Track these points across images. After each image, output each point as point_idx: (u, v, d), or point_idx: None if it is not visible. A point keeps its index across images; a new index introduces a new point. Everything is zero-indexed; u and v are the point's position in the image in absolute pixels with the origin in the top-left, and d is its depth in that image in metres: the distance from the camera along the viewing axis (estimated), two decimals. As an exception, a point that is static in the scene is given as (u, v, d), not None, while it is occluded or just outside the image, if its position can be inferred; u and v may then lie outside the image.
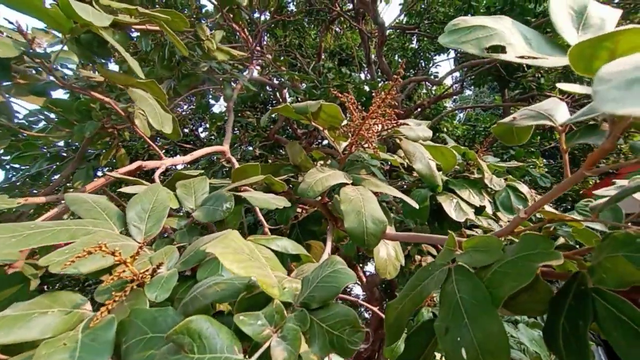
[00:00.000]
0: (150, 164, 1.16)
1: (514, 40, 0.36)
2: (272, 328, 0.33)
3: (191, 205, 0.70)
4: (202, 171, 0.79)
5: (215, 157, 3.33)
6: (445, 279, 0.46)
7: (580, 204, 0.55)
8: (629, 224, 0.44)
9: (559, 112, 0.42)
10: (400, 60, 7.02)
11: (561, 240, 0.50)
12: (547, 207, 0.43)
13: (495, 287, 0.38)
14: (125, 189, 0.67)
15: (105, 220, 0.58)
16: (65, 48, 0.86)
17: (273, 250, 0.62)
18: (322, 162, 0.99)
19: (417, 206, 0.81)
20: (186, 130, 6.67)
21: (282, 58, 3.16)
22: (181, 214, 0.73)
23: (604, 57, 0.26)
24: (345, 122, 1.16)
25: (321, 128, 1.00)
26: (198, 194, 0.72)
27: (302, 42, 6.87)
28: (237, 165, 1.54)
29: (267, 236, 0.62)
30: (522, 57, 0.35)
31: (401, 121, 0.86)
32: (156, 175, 1.12)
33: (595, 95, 0.15)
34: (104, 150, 2.07)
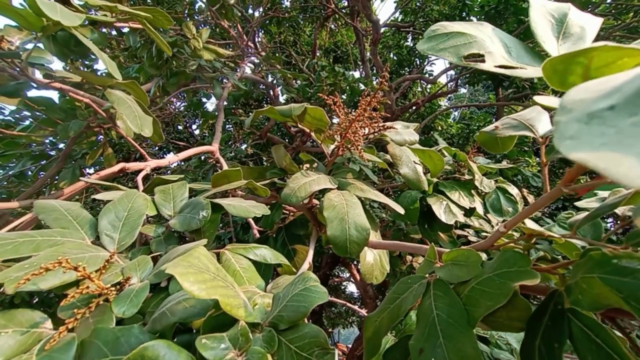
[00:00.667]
0: (133, 166, 1.13)
1: (493, 48, 0.35)
2: (236, 352, 0.32)
3: (169, 212, 0.67)
4: (182, 176, 0.76)
5: (206, 156, 3.29)
6: (423, 293, 0.45)
7: (561, 216, 0.54)
8: (610, 236, 0.43)
9: (540, 122, 0.40)
10: (395, 57, 7.01)
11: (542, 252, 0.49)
12: (528, 221, 0.42)
13: (472, 306, 0.37)
14: (99, 195, 0.65)
15: (76, 230, 0.56)
16: (41, 46, 0.82)
17: (252, 260, 0.60)
18: (308, 165, 0.97)
19: (402, 212, 0.80)
20: (180, 128, 6.59)
21: (275, 55, 3.12)
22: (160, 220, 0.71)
23: (578, 72, 0.24)
24: (335, 123, 1.13)
25: (308, 130, 0.98)
26: (177, 200, 0.69)
27: (296, 40, 6.83)
28: (225, 165, 1.52)
29: (245, 245, 0.60)
30: (500, 66, 0.34)
31: (388, 124, 0.85)
32: (139, 177, 1.09)
33: (556, 127, 0.13)
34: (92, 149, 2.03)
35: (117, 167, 1.07)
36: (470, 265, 0.43)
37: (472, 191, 1.61)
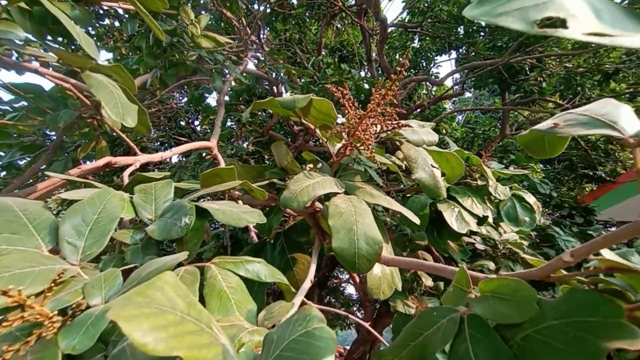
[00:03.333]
0: (121, 161, 1.04)
1: (577, 10, 0.25)
2: None
3: (149, 215, 0.58)
4: (168, 173, 0.67)
5: (207, 153, 3.20)
6: (456, 334, 0.35)
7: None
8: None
9: (622, 118, 0.31)
10: (400, 59, 6.90)
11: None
12: (605, 252, 0.32)
13: (533, 365, 0.27)
14: (66, 194, 0.55)
15: (30, 235, 0.46)
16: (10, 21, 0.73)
17: (244, 277, 0.51)
18: (311, 165, 0.87)
19: (418, 221, 0.70)
20: (182, 123, 6.52)
21: (279, 50, 3.03)
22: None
23: None
24: (341, 120, 1.04)
25: (312, 126, 0.88)
26: (159, 202, 0.60)
27: (302, 38, 6.75)
28: (222, 162, 1.42)
29: (235, 258, 0.51)
30: (592, 34, 0.24)
31: (403, 122, 0.75)
32: (125, 174, 0.99)
33: None
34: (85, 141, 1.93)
35: (102, 162, 0.98)
36: (520, 302, 0.33)
37: (485, 198, 1.51)
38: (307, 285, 0.59)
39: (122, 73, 0.77)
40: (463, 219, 1.35)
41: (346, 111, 0.78)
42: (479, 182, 1.55)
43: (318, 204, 0.91)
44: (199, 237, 0.50)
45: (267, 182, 0.89)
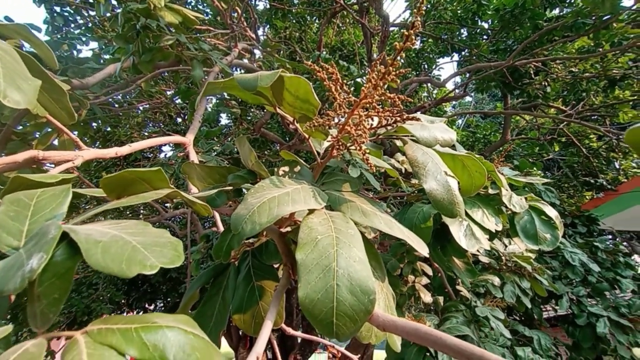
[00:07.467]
0: (54, 155, 0.83)
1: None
2: None
3: (14, 241, 0.37)
4: (69, 175, 0.46)
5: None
6: None
7: None
8: None
9: None
10: (402, 61, 6.75)
11: None
12: None
13: None
14: None
15: None
16: None
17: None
18: (286, 168, 0.67)
19: (427, 252, 0.50)
20: (179, 120, 6.29)
21: (272, 43, 2.83)
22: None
23: None
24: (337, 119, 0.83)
25: (290, 118, 0.68)
26: (39, 220, 0.39)
27: (302, 36, 6.58)
28: (195, 159, 1.21)
29: (129, 321, 0.30)
30: None
31: (410, 115, 0.55)
32: (54, 172, 0.79)
33: None
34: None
35: (22, 156, 0.76)
36: None
37: (497, 209, 1.31)
38: (257, 353, 0.38)
39: (31, 37, 0.56)
40: (473, 235, 1.15)
41: (332, 97, 0.58)
42: (490, 191, 1.35)
43: (298, 217, 0.70)
44: (63, 290, 0.29)
45: (229, 188, 0.68)
